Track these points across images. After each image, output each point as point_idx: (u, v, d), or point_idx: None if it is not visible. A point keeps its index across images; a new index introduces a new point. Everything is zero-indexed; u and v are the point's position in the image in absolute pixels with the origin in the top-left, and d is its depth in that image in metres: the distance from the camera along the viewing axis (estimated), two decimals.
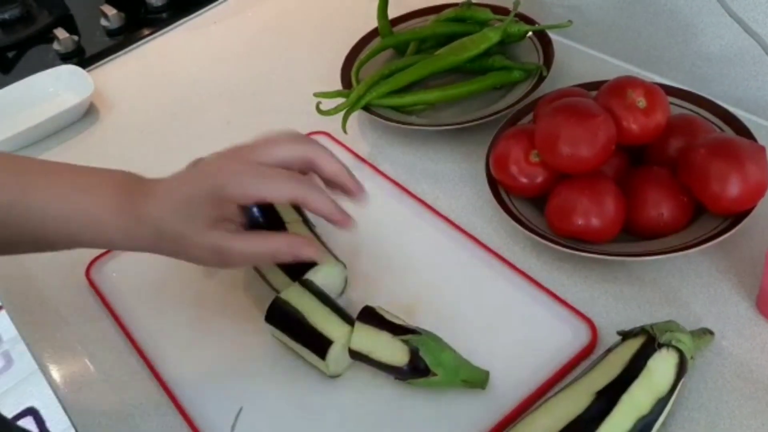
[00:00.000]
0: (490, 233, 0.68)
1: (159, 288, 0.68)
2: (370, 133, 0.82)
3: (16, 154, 0.89)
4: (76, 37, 1.06)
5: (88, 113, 0.93)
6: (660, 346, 0.51)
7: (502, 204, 0.66)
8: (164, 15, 1.11)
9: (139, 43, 1.06)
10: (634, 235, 0.63)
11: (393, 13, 0.89)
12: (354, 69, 0.84)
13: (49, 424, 1.56)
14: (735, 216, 0.60)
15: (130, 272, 0.70)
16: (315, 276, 0.61)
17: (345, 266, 0.64)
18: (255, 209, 0.64)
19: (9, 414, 1.58)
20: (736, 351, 0.56)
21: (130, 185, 0.55)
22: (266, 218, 0.64)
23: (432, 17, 0.88)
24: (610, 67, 0.84)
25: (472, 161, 0.75)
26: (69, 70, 0.96)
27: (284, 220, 0.65)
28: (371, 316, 0.57)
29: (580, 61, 0.85)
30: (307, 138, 0.58)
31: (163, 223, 0.53)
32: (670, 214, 0.61)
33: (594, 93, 0.67)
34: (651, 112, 0.63)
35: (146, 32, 1.08)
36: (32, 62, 1.06)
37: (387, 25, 0.87)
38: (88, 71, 0.97)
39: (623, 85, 0.64)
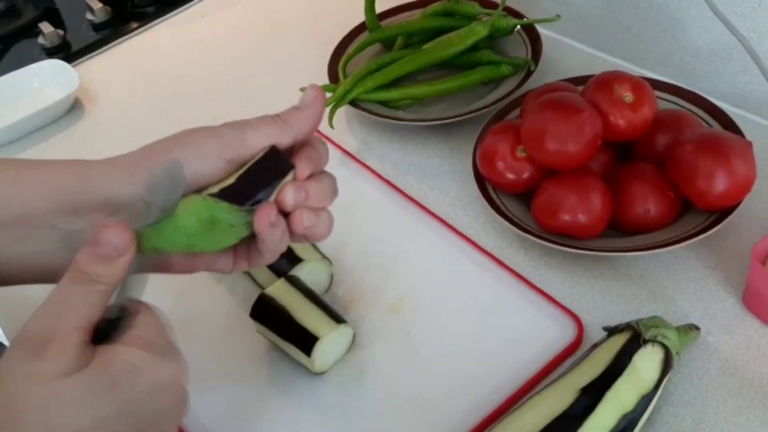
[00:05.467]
0: (477, 229, 0.68)
1: None
2: (357, 128, 0.81)
3: None
4: (61, 32, 1.05)
5: (73, 109, 0.92)
6: (645, 342, 0.50)
7: (489, 200, 0.65)
8: (151, 9, 1.10)
9: (126, 37, 1.05)
10: (621, 231, 0.63)
11: (381, 7, 0.88)
12: (341, 63, 0.83)
13: None
14: (722, 211, 0.60)
15: None
16: (301, 272, 0.61)
17: (331, 262, 0.63)
18: None
19: None
20: (722, 347, 0.56)
21: None
22: None
23: (420, 11, 0.87)
24: (598, 61, 0.83)
25: (459, 156, 0.75)
26: (54, 64, 0.95)
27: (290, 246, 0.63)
28: None
29: (568, 55, 0.85)
30: None
31: None
32: (656, 210, 0.61)
33: (581, 88, 0.67)
34: (638, 107, 0.62)
35: (133, 26, 1.07)
36: (17, 57, 1.05)
37: (374, 19, 0.86)
38: (74, 66, 0.97)
39: (610, 79, 0.63)
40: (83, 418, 0.34)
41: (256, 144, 0.43)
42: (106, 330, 0.38)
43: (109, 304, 0.38)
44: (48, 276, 0.45)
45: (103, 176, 0.43)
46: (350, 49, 0.85)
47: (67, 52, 1.04)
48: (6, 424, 0.33)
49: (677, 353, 0.52)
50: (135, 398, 0.36)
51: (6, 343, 0.76)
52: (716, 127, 0.66)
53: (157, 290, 0.66)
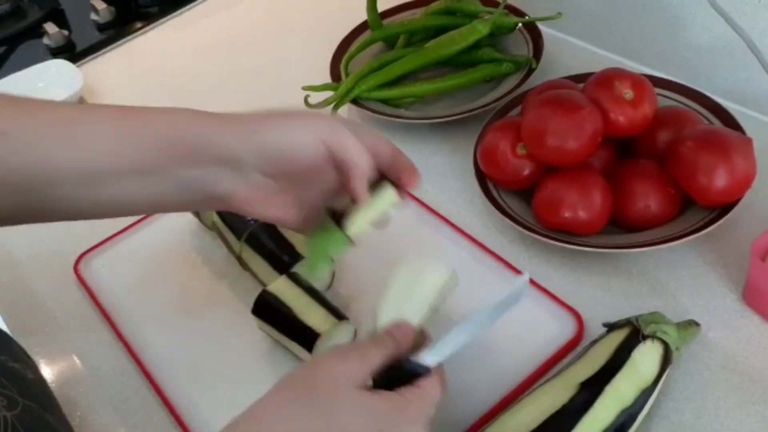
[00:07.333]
0: (479, 226, 0.68)
1: (146, 282, 0.68)
2: None
3: None
4: (66, 32, 1.06)
5: None
6: (644, 337, 0.51)
7: (490, 197, 0.66)
8: (155, 9, 1.10)
9: (130, 37, 1.06)
10: (622, 228, 0.63)
11: (382, 6, 0.88)
12: (343, 62, 0.84)
13: None
14: (722, 208, 0.60)
15: (118, 266, 0.70)
16: (302, 269, 0.61)
17: (332, 260, 0.64)
18: (262, 233, 0.64)
19: None
20: (723, 342, 0.56)
21: None
22: (275, 243, 0.64)
23: (421, 10, 0.88)
24: (599, 58, 0.83)
25: (461, 154, 0.75)
26: (58, 64, 0.96)
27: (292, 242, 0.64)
28: None
29: (569, 52, 0.85)
30: None
31: None
32: (657, 206, 0.61)
33: (582, 85, 0.67)
34: (638, 104, 0.62)
35: (137, 26, 1.07)
36: (22, 57, 1.06)
37: (377, 17, 0.86)
38: (78, 66, 0.97)
39: (610, 76, 0.64)
40: (361, 428, 0.43)
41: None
42: (403, 369, 0.47)
43: (423, 361, 0.47)
44: (159, 210, 0.55)
45: (217, 134, 0.46)
46: (352, 48, 0.85)
47: (71, 52, 1.04)
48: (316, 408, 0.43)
49: (677, 349, 0.52)
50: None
51: (6, 330, 0.77)
52: (716, 123, 0.66)
53: (160, 288, 0.67)
